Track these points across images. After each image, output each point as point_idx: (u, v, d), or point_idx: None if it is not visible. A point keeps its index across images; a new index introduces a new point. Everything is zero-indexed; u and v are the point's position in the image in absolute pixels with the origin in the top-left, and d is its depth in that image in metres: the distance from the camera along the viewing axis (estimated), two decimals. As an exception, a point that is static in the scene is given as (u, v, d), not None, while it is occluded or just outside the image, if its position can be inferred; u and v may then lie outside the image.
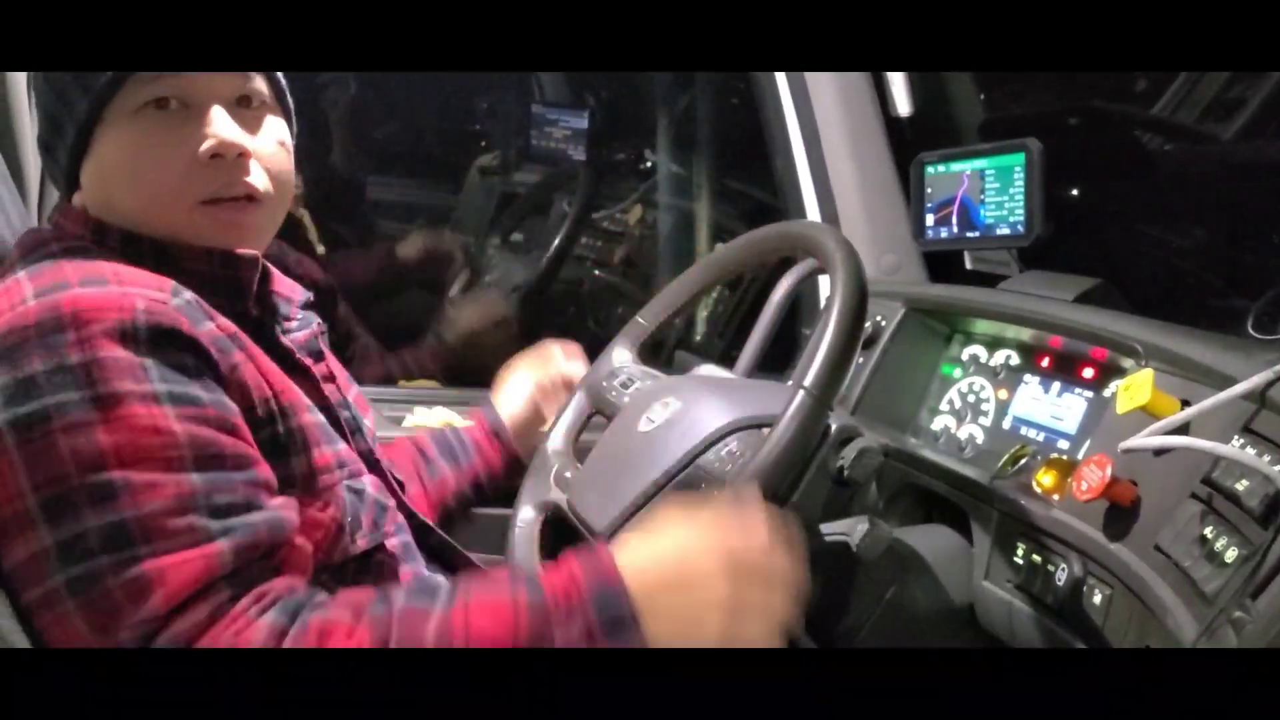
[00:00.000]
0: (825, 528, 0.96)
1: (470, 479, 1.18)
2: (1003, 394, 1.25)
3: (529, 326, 2.29)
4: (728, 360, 1.26)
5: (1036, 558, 1.06)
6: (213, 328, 0.80)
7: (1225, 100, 1.92)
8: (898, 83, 1.67)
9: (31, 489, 0.71)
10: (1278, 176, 1.81)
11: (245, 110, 0.87)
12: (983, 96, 1.96)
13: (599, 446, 1.08)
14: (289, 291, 0.95)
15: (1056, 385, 1.19)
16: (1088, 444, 1.08)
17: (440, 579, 0.97)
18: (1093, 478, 0.93)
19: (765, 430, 0.91)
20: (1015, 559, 1.09)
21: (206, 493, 0.73)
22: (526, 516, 1.08)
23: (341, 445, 0.90)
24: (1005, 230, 1.36)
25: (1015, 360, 1.26)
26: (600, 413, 1.14)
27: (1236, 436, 0.86)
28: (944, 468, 1.21)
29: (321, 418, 0.89)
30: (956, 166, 1.43)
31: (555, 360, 1.25)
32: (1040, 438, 1.17)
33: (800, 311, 1.74)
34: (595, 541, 0.97)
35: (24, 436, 0.71)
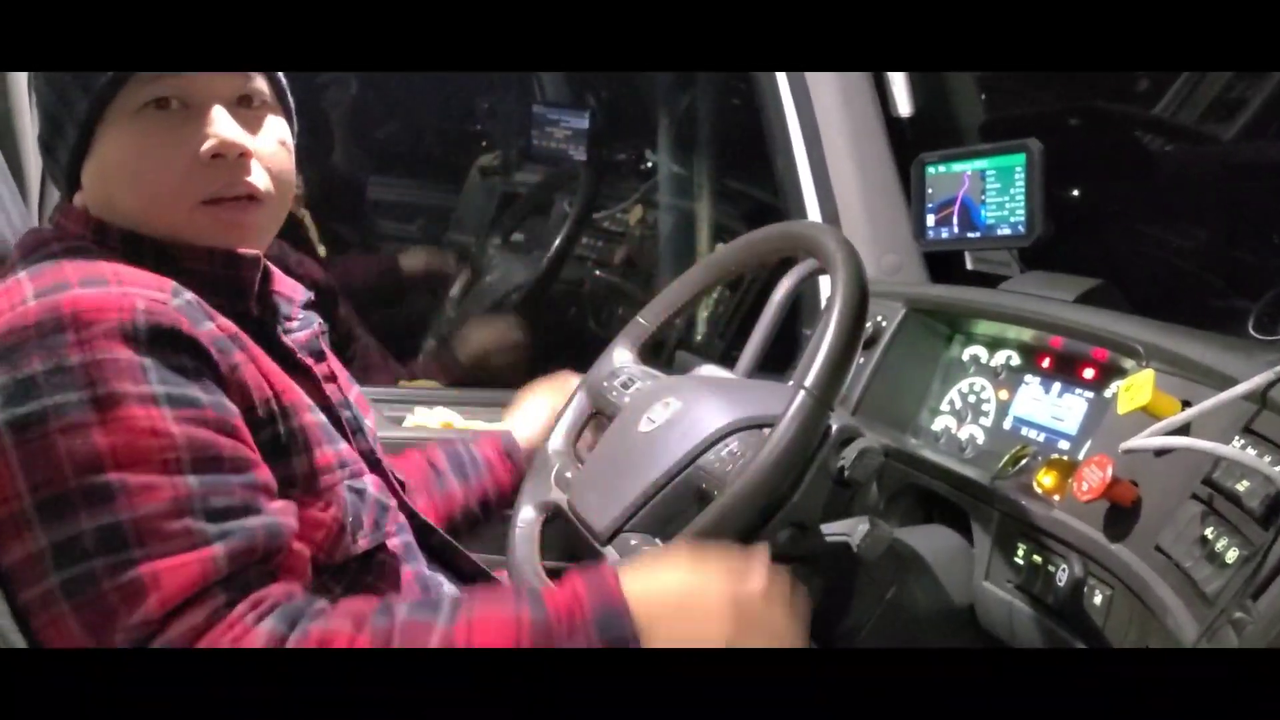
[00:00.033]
0: (826, 528, 0.96)
1: (479, 496, 1.18)
2: (1003, 394, 1.25)
3: (530, 327, 2.30)
4: (728, 360, 1.26)
5: (1037, 558, 1.06)
6: (213, 328, 0.80)
7: (1226, 100, 1.92)
8: (898, 83, 1.67)
9: (29, 489, 0.71)
10: (1278, 177, 1.81)
11: (246, 110, 0.87)
12: (983, 96, 1.96)
13: (599, 446, 1.08)
14: (290, 291, 0.94)
15: (1057, 386, 1.19)
16: (1088, 444, 1.08)
17: (442, 580, 0.97)
18: (1093, 478, 0.93)
19: (766, 430, 0.91)
20: (1016, 559, 1.09)
21: (203, 495, 0.73)
22: (527, 516, 1.07)
23: (343, 445, 0.90)
24: (1006, 230, 1.36)
25: (1016, 360, 1.26)
26: (601, 413, 1.14)
27: (1237, 437, 0.86)
28: (944, 468, 1.21)
29: (323, 417, 0.89)
30: (957, 167, 1.43)
31: (572, 389, 1.25)
32: (1041, 438, 1.17)
33: (801, 312, 1.73)
34: (597, 545, 0.97)
35: (22, 437, 0.71)
